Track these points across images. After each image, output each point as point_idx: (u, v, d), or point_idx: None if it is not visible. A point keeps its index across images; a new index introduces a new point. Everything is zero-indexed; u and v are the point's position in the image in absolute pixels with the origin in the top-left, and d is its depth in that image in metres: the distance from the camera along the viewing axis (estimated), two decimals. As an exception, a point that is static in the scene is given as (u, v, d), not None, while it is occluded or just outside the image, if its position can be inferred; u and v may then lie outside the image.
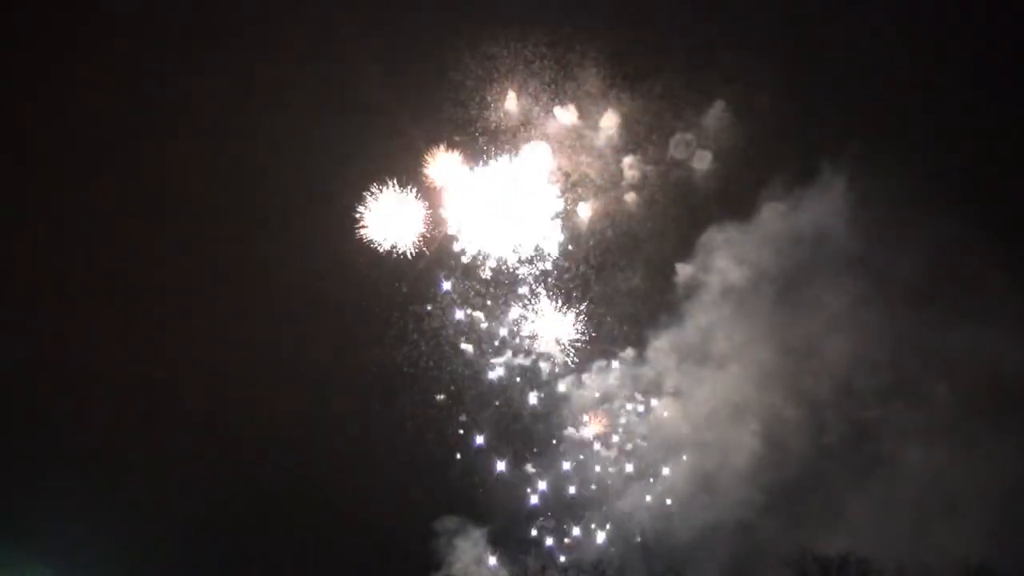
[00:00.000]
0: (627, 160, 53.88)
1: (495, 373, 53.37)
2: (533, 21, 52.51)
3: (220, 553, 51.07)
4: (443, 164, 52.08)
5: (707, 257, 53.05)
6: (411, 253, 51.82)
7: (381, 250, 51.58)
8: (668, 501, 52.90)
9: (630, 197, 53.98)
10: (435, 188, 52.23)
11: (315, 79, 53.86)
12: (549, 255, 52.98)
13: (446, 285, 52.69)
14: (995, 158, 52.76)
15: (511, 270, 52.84)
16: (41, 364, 52.09)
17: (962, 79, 53.20)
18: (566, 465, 53.45)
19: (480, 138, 52.53)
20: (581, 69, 52.87)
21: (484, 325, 53.29)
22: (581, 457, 53.36)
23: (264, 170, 53.95)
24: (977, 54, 53.26)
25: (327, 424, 52.95)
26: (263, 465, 51.81)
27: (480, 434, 53.19)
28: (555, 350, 53.31)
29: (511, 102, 53.02)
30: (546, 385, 53.59)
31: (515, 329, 53.34)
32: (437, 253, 52.26)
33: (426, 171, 51.99)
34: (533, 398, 53.61)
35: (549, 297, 53.11)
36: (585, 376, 53.55)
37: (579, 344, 53.28)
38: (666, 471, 53.38)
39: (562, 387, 53.65)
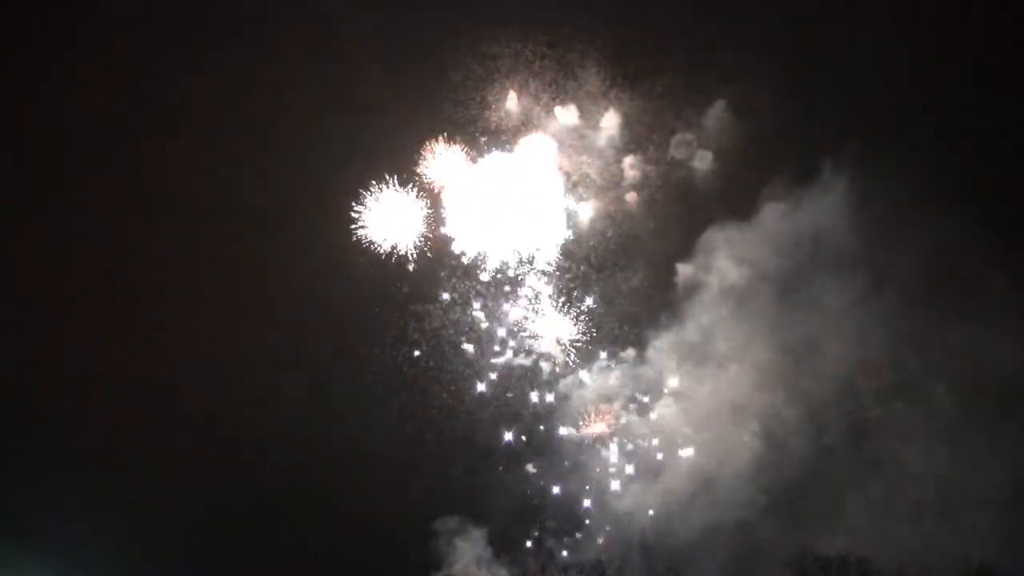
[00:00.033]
0: (628, 160, 53.94)
1: (495, 373, 53.36)
2: (533, 21, 52.65)
3: (220, 553, 51.05)
4: (443, 164, 52.10)
5: (707, 257, 53.07)
6: (411, 253, 51.90)
7: (381, 250, 51.68)
8: (668, 501, 52.85)
9: (631, 197, 54.02)
10: (435, 188, 52.26)
11: (315, 79, 53.91)
12: (550, 258, 53.09)
13: (446, 294, 52.77)
14: (995, 158, 52.81)
15: (512, 270, 52.88)
16: (41, 364, 52.09)
17: (962, 79, 53.26)
18: (566, 465, 53.44)
19: (480, 138, 52.62)
20: (581, 69, 52.93)
21: (484, 325, 53.37)
22: (581, 457, 53.37)
23: (264, 170, 54.00)
24: (977, 54, 53.32)
25: (327, 424, 52.96)
26: (263, 465, 51.80)
27: (480, 434, 53.25)
28: (556, 350, 53.38)
29: (511, 102, 53.06)
30: (546, 385, 53.64)
31: (515, 329, 53.41)
32: (437, 253, 52.28)
33: (426, 171, 52.03)
34: (533, 398, 53.64)
35: (550, 297, 53.17)
36: (586, 376, 53.60)
37: (580, 344, 53.39)
38: (666, 471, 53.36)
39: (562, 387, 53.66)
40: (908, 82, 53.34)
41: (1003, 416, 49.65)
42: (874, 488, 50.35)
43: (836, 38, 54.39)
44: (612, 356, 53.80)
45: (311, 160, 53.27)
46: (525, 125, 52.98)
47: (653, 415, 53.63)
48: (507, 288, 53.21)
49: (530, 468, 53.37)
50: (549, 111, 53.30)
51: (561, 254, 53.08)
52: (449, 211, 52.26)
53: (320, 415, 53.11)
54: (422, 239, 52.05)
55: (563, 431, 53.56)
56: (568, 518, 53.10)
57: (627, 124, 53.64)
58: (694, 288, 53.34)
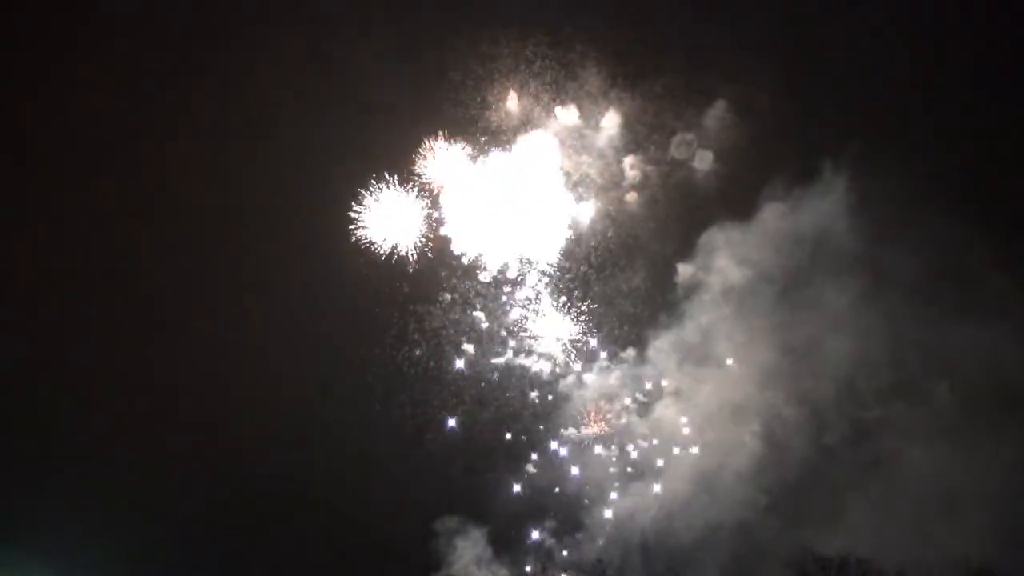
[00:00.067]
0: (628, 160, 53.97)
1: (495, 373, 53.37)
2: (534, 21, 52.68)
3: (220, 553, 51.01)
4: (443, 164, 52.09)
5: (708, 257, 53.13)
6: (412, 253, 51.89)
7: (381, 250, 51.67)
8: (668, 501, 52.84)
9: (631, 197, 54.03)
10: (436, 188, 52.26)
11: (315, 79, 53.87)
12: (550, 258, 53.10)
13: (447, 296, 52.78)
14: (995, 158, 52.84)
15: (512, 270, 52.87)
16: (41, 364, 52.05)
17: (962, 79, 53.29)
18: (566, 465, 53.43)
19: (481, 138, 52.60)
20: (582, 69, 52.96)
21: (485, 325, 53.35)
22: (582, 457, 53.35)
23: (264, 170, 53.93)
24: (977, 54, 53.34)
25: (327, 424, 52.92)
26: (263, 465, 51.69)
27: (480, 434, 53.31)
28: (556, 350, 53.40)
29: (512, 102, 53.07)
30: (546, 385, 53.64)
31: (516, 329, 53.41)
32: (438, 253, 52.28)
33: (427, 171, 52.01)
34: (533, 398, 53.64)
35: (550, 296, 53.18)
36: (586, 376, 53.61)
37: (580, 344, 53.40)
38: (666, 471, 53.37)
39: (562, 387, 53.66)
40: (908, 82, 53.39)
41: (1003, 416, 49.66)
42: (874, 488, 50.39)
43: (836, 38, 54.44)
44: (612, 356, 53.85)
45: (311, 160, 53.25)
46: (526, 125, 52.99)
47: (653, 415, 53.67)
48: (507, 288, 53.24)
49: (530, 468, 53.39)
50: (550, 111, 53.33)
51: (561, 254, 53.12)
52: (449, 211, 52.26)
53: (320, 415, 53.08)
54: (422, 239, 52.06)
55: (563, 431, 53.58)
56: (568, 518, 53.11)
57: (627, 124, 53.72)
58: (694, 288, 53.43)
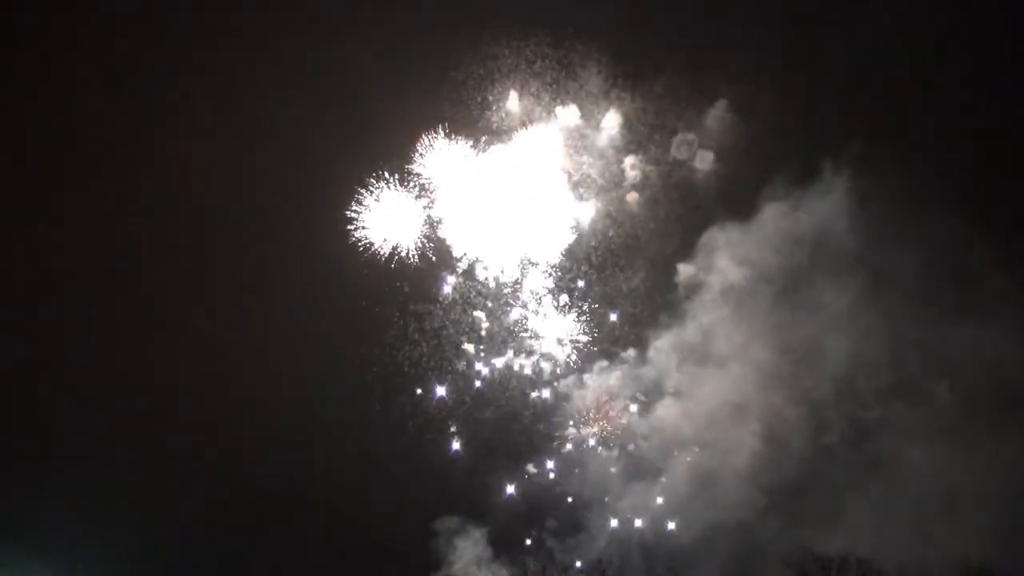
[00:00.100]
0: (629, 160, 53.94)
1: (496, 373, 53.34)
2: (534, 21, 52.61)
3: (220, 553, 51.02)
4: (444, 164, 52.06)
5: (708, 257, 53.09)
6: (412, 253, 51.87)
7: (381, 250, 51.63)
8: (668, 501, 52.84)
9: (632, 197, 53.98)
10: (436, 188, 52.23)
11: (315, 79, 53.84)
12: (550, 258, 53.08)
13: (448, 288, 52.67)
14: (995, 158, 52.83)
15: (512, 270, 52.88)
16: (41, 364, 52.02)
17: (962, 79, 53.29)
18: (567, 465, 53.42)
19: (481, 138, 52.55)
20: (582, 69, 52.92)
21: (485, 325, 53.34)
22: (582, 457, 53.35)
23: (264, 170, 53.92)
24: (977, 54, 53.36)
25: (327, 424, 52.90)
26: (263, 465, 51.69)
27: (480, 434, 53.28)
28: (556, 350, 53.38)
29: (512, 102, 53.04)
30: (547, 385, 53.61)
31: (516, 329, 53.39)
32: (438, 253, 52.27)
33: (427, 171, 51.99)
34: (533, 398, 53.63)
35: (550, 295, 53.17)
36: (586, 376, 53.59)
37: (580, 344, 53.37)
38: (666, 471, 53.36)
39: (562, 387, 53.65)
40: (908, 82, 53.37)
41: (1003, 416, 49.66)
42: (874, 488, 50.31)
43: (836, 38, 54.42)
44: (612, 356, 53.83)
45: (311, 160, 53.23)
46: (526, 125, 52.97)
47: (654, 415, 53.66)
48: (507, 288, 53.22)
49: (530, 468, 53.37)
50: (550, 111, 53.31)
51: (562, 254, 53.10)
52: (449, 210, 52.22)
53: (320, 415, 53.05)
54: (422, 239, 52.03)
55: (563, 431, 53.56)
56: (568, 518, 53.09)
57: (628, 124, 53.68)
58: (695, 288, 53.41)
